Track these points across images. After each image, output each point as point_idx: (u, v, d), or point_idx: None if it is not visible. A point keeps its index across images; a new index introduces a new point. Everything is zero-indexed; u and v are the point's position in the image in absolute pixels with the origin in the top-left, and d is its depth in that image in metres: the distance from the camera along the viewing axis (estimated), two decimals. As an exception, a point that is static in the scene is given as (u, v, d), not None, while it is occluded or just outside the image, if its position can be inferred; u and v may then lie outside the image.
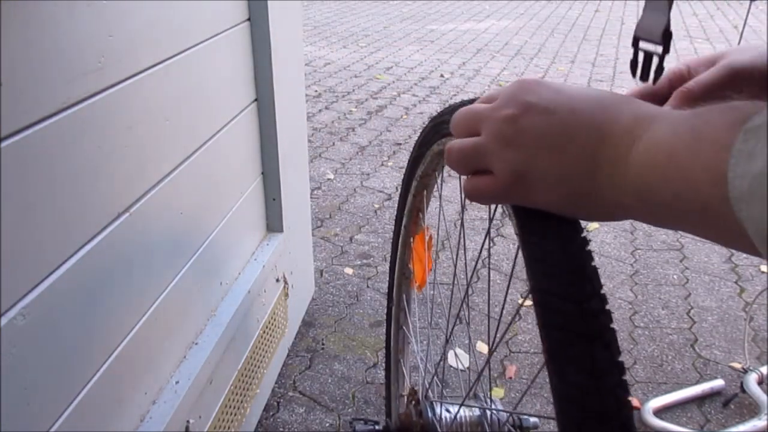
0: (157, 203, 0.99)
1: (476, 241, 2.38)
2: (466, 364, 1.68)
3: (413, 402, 0.81)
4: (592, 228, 2.52)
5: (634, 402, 1.58)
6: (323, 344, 1.81)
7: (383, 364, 1.69)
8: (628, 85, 4.50)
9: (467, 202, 0.48)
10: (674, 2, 0.43)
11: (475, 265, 1.10)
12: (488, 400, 0.72)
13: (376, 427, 0.95)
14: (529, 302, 0.38)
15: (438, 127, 0.63)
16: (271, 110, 1.44)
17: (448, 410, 0.75)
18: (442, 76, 4.78)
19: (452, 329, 0.70)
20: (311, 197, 2.45)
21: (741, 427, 1.49)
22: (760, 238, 0.27)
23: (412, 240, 0.92)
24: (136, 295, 0.96)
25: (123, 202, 0.90)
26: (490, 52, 5.60)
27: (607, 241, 2.40)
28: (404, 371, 1.09)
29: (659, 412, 1.54)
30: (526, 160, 0.40)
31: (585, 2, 8.53)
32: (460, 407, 0.71)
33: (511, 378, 1.67)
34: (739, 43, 5.69)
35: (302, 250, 1.83)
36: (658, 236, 2.43)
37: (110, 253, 0.87)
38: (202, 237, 1.19)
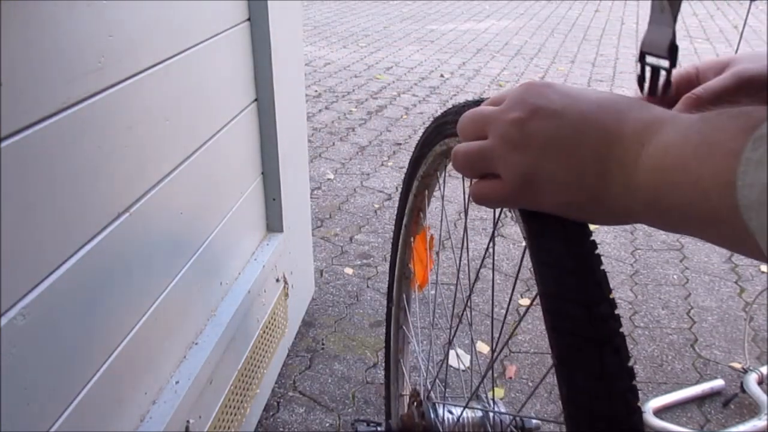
0: (157, 203, 0.99)
1: (476, 241, 2.38)
2: (467, 364, 1.68)
3: (415, 403, 0.80)
4: (591, 228, 2.51)
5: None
6: (323, 344, 1.81)
7: (383, 364, 1.69)
8: (628, 85, 4.50)
9: (470, 203, 0.48)
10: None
11: (479, 267, 1.10)
12: (491, 402, 0.72)
13: (379, 429, 0.94)
14: (528, 302, 0.37)
15: (441, 128, 0.63)
16: (271, 110, 1.43)
17: (450, 412, 0.74)
18: (442, 76, 4.78)
19: (456, 330, 0.70)
20: (311, 197, 2.45)
21: (741, 427, 1.49)
22: None
23: (412, 240, 0.92)
24: (136, 295, 0.96)
25: (123, 202, 0.90)
26: (490, 52, 5.59)
27: (607, 241, 2.40)
28: (404, 371, 1.08)
29: (659, 412, 1.54)
30: (533, 163, 0.39)
31: (585, 2, 8.53)
32: (464, 409, 0.71)
33: (511, 378, 1.67)
34: (738, 43, 5.69)
35: (302, 250, 1.83)
36: (658, 236, 2.43)
37: (110, 253, 0.87)
38: (202, 237, 1.19)
